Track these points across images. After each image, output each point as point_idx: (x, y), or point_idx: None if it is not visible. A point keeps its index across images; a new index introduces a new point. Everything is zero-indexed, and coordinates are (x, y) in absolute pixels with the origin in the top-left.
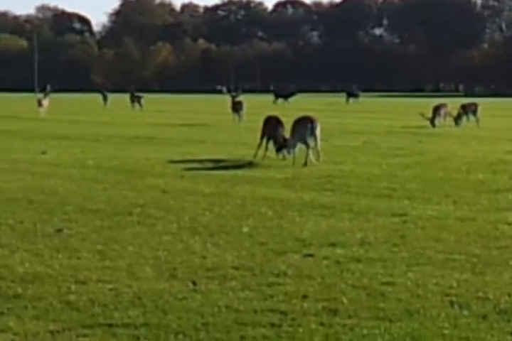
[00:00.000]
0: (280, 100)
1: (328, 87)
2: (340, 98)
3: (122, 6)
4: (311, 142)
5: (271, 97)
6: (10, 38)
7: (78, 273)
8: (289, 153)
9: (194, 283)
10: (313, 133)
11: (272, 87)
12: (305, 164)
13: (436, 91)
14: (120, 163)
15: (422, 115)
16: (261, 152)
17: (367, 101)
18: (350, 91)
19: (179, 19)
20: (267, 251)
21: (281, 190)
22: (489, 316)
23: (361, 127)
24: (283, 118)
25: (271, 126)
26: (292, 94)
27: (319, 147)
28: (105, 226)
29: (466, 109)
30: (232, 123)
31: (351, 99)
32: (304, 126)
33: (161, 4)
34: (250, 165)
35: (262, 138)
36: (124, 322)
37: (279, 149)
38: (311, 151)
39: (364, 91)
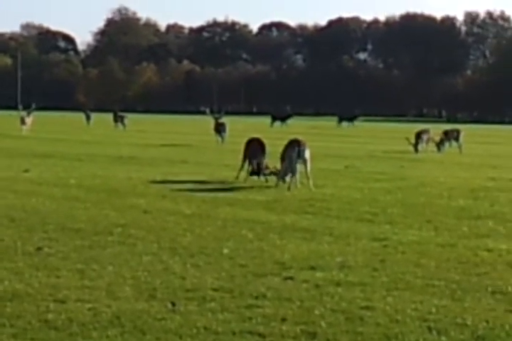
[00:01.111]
0: (277, 123)
1: (311, 111)
2: (324, 122)
3: (107, 25)
4: (298, 166)
5: (254, 119)
6: None
7: (57, 291)
8: (283, 181)
9: (173, 304)
10: (300, 157)
11: (254, 109)
12: (289, 188)
13: (420, 116)
14: (102, 183)
15: (408, 140)
16: (243, 174)
17: (349, 125)
18: (342, 115)
19: (164, 40)
20: (247, 273)
21: (263, 212)
22: None
23: (344, 151)
24: (265, 141)
25: (253, 149)
26: (289, 116)
27: (309, 171)
28: (85, 246)
29: (449, 135)
30: (215, 145)
31: (344, 123)
32: (292, 149)
33: (146, 24)
34: (232, 186)
35: (244, 160)
36: None
37: (252, 173)
38: (297, 176)
39: (332, 115)
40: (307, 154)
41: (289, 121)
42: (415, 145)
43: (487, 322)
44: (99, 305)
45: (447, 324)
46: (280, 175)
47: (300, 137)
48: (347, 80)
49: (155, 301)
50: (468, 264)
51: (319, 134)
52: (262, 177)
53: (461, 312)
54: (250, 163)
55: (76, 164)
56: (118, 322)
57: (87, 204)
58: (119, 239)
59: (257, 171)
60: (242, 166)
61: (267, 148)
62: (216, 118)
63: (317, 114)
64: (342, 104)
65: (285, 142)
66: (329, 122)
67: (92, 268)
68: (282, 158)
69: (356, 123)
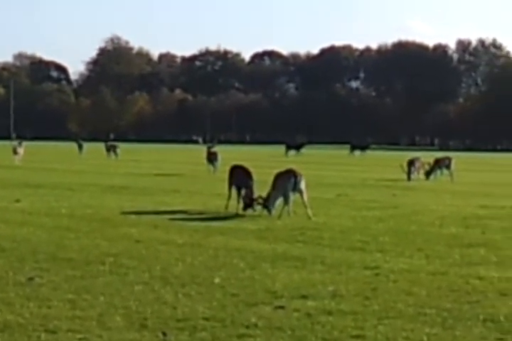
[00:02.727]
0: (292, 152)
1: (304, 139)
2: (317, 150)
3: (100, 54)
4: (292, 196)
5: (247, 148)
6: None
7: (48, 322)
8: (269, 210)
9: (164, 334)
10: (296, 188)
11: (247, 138)
12: (279, 216)
13: (412, 144)
14: (94, 212)
15: (402, 167)
16: (233, 202)
17: (342, 153)
18: (355, 143)
19: (156, 69)
20: (238, 302)
21: (254, 241)
22: None
23: (336, 179)
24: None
25: (240, 176)
26: (303, 144)
27: (306, 200)
28: (77, 276)
29: (440, 163)
30: (207, 174)
31: (356, 152)
32: (287, 180)
33: (139, 54)
34: (224, 216)
35: (230, 188)
36: None
37: (246, 207)
38: (291, 204)
39: (340, 143)
40: (303, 185)
41: (303, 150)
42: (408, 173)
43: None
44: (90, 335)
45: None
46: (268, 203)
47: (294, 167)
48: (339, 108)
49: (146, 331)
50: (459, 292)
51: (313, 162)
52: (271, 208)
53: None
54: (240, 193)
55: (68, 194)
56: None
57: (78, 234)
58: (111, 269)
59: (249, 203)
60: (230, 195)
61: (254, 175)
62: (209, 148)
63: (310, 142)
64: (334, 133)
65: (276, 170)
66: (323, 151)
67: (84, 298)
68: (273, 187)
69: (366, 152)
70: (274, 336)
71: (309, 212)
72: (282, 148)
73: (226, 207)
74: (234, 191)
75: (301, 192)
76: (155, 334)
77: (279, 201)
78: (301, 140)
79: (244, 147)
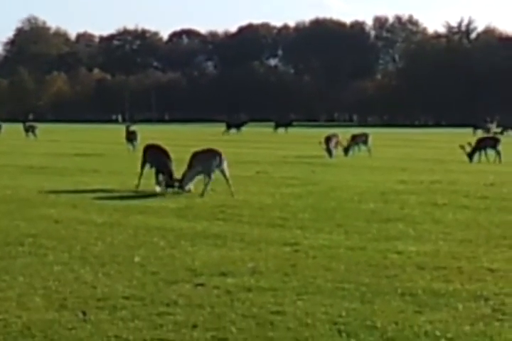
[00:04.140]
0: (233, 130)
1: (224, 117)
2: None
3: (17, 35)
4: (213, 175)
5: (166, 127)
6: None
7: None
8: (183, 188)
9: (84, 313)
10: (219, 167)
11: (166, 117)
12: (202, 194)
13: (331, 121)
14: (12, 193)
15: (321, 144)
16: (146, 181)
17: (263, 131)
18: (279, 120)
19: (74, 48)
20: (158, 280)
21: (174, 219)
22: None
23: (255, 157)
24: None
25: (152, 155)
26: (244, 123)
27: (229, 178)
28: None
29: (357, 140)
30: (126, 153)
31: (280, 130)
32: (211, 159)
33: (56, 33)
34: (143, 194)
35: (142, 167)
36: None
37: (167, 186)
38: (210, 183)
39: (259, 121)
40: (225, 164)
41: (244, 128)
42: (328, 150)
43: (396, 323)
44: (9, 316)
45: (357, 326)
46: (183, 183)
47: (218, 145)
48: (258, 86)
49: (66, 311)
50: (377, 267)
51: (230, 140)
52: (189, 184)
53: (371, 315)
54: (160, 172)
55: None
56: (28, 333)
57: None
58: (30, 250)
59: (172, 184)
60: (141, 173)
61: (169, 154)
62: (128, 127)
63: (230, 119)
64: (254, 110)
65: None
66: (248, 128)
67: (3, 279)
68: (190, 166)
69: (268, 128)
70: (193, 313)
71: (232, 189)
72: (204, 126)
73: (137, 186)
74: (147, 170)
75: (223, 171)
76: (75, 313)
77: (196, 179)
78: (242, 118)
79: (163, 126)
